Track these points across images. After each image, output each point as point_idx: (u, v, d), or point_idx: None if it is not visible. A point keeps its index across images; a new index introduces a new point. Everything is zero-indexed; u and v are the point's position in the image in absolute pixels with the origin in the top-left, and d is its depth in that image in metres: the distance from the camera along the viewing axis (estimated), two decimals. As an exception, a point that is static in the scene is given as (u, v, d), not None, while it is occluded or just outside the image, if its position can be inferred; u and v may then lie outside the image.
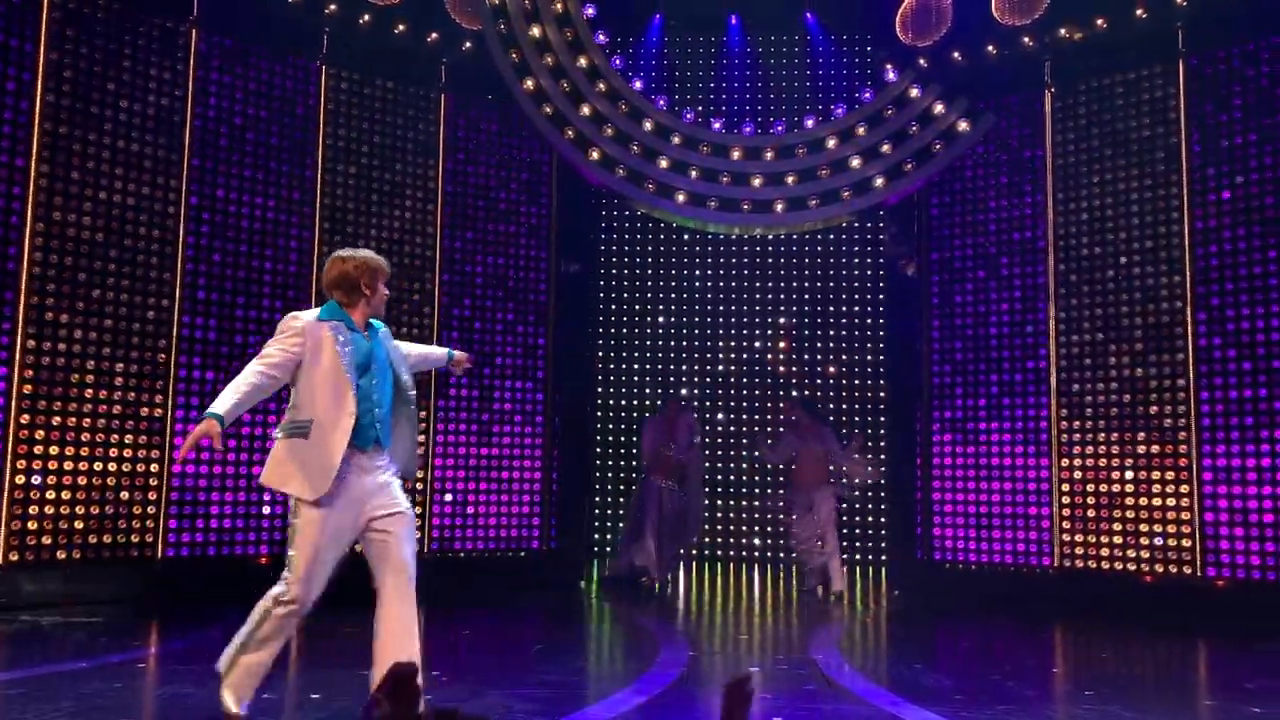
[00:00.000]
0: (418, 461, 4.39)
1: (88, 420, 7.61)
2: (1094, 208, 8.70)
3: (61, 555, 7.47)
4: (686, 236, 11.74)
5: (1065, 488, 8.63)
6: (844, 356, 11.52)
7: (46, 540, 7.42)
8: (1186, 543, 7.97)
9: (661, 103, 9.62)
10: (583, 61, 9.36)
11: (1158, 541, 8.11)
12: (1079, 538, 8.52)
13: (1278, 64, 7.87)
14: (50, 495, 7.43)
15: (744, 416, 11.61)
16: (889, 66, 9.56)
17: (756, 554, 11.41)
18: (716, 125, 9.71)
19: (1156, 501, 8.14)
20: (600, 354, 11.59)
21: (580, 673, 5.90)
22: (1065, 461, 8.65)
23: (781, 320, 11.57)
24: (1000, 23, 8.87)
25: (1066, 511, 8.61)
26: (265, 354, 3.99)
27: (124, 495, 7.73)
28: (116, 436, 7.72)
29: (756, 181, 9.43)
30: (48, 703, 4.54)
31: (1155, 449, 8.20)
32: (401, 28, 9.10)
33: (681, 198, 9.40)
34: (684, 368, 11.71)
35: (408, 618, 4.00)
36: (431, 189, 9.32)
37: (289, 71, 8.74)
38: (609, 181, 9.41)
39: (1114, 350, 8.49)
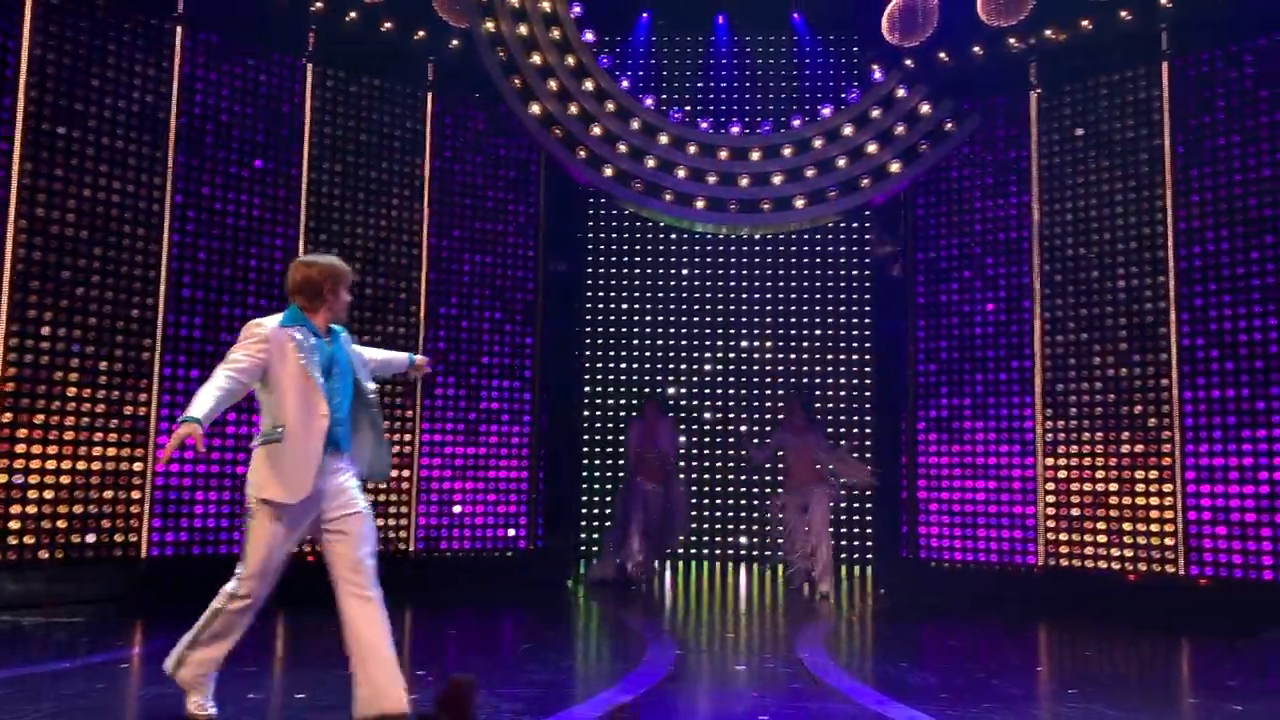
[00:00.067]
0: (389, 464, 4.39)
1: (71, 419, 7.56)
2: (1079, 208, 8.75)
3: (44, 555, 7.42)
4: (674, 236, 11.75)
5: (1050, 487, 8.67)
6: (830, 356, 11.54)
7: (29, 539, 7.37)
8: (1170, 541, 8.02)
9: (649, 102, 9.62)
10: (570, 60, 9.35)
11: (1141, 540, 8.16)
12: (1064, 536, 8.56)
13: (1260, 66, 7.93)
14: (33, 494, 7.38)
15: (731, 416, 11.62)
16: (876, 67, 9.59)
17: (743, 553, 11.43)
18: (704, 125, 9.72)
19: (1140, 501, 8.19)
20: (588, 353, 11.58)
21: (567, 672, 5.90)
22: (1050, 461, 8.70)
23: (780, 331, 11.57)
24: (986, 24, 8.90)
25: (1051, 510, 8.65)
26: (232, 359, 4.04)
27: (107, 494, 7.69)
28: (100, 435, 7.67)
29: (744, 181, 9.44)
30: (29, 703, 4.51)
31: (1139, 448, 8.25)
32: (388, 25, 9.07)
33: (669, 197, 9.40)
34: (671, 367, 11.72)
35: (374, 615, 4.03)
36: (418, 187, 9.29)
37: (275, 69, 8.70)
38: (596, 180, 9.41)
39: (1098, 350, 8.54)
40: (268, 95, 8.64)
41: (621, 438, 11.08)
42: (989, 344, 9.10)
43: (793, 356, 11.58)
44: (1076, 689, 5.36)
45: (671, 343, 11.75)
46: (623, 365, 11.72)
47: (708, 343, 11.73)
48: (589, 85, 9.42)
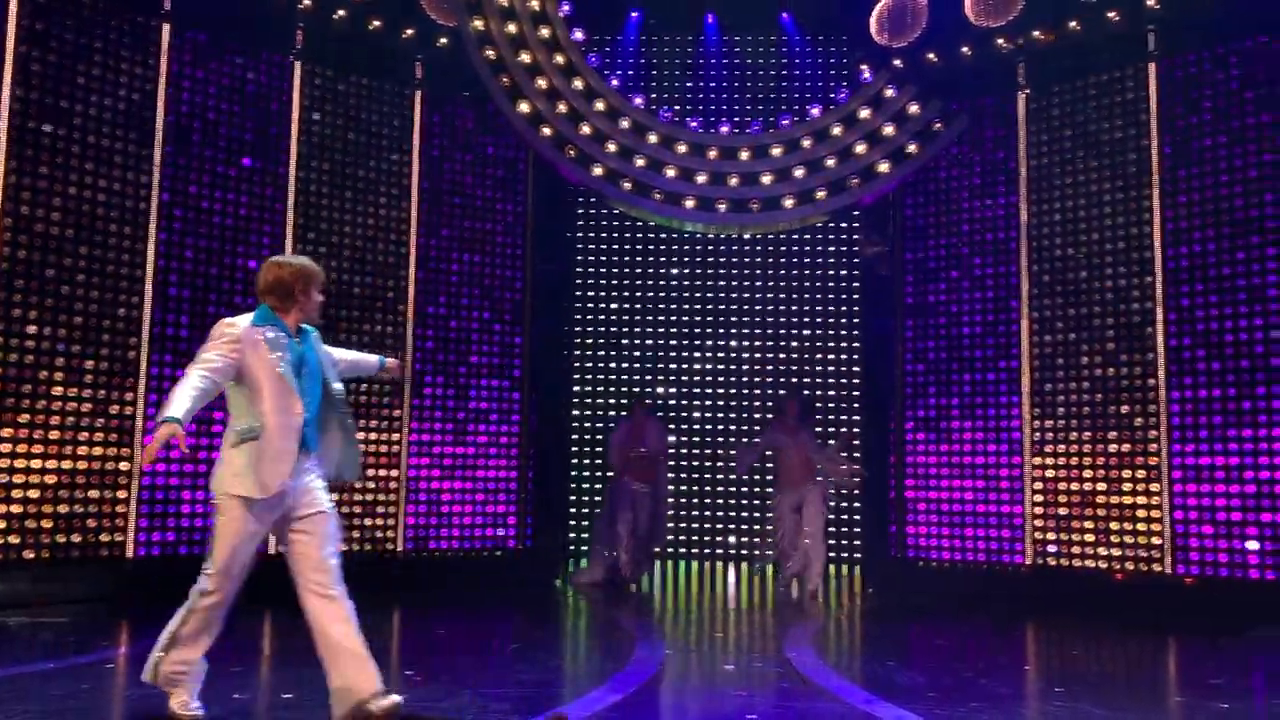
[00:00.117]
0: (359, 465, 4.39)
1: (56, 418, 7.51)
2: (1066, 209, 8.78)
3: (30, 555, 7.37)
4: (663, 235, 11.74)
5: (1037, 486, 8.70)
6: (819, 356, 11.55)
7: (14, 539, 7.33)
8: (1156, 540, 8.05)
9: (639, 101, 9.62)
10: (559, 59, 9.34)
11: (1128, 539, 8.20)
12: (1051, 536, 8.59)
13: (1246, 68, 7.97)
14: (18, 494, 7.33)
15: (720, 415, 11.63)
16: (864, 67, 9.61)
17: (733, 552, 11.43)
18: (693, 124, 9.72)
19: (1127, 500, 8.23)
20: (577, 352, 11.58)
21: (556, 671, 5.89)
22: (1037, 460, 8.72)
23: (769, 331, 11.57)
24: (974, 24, 8.93)
25: (1039, 510, 8.68)
26: (205, 359, 4.05)
27: (93, 494, 7.65)
28: (86, 434, 7.63)
29: (733, 181, 9.45)
30: (16, 704, 4.49)
31: (1126, 448, 8.28)
32: (377, 24, 9.04)
33: (658, 196, 9.41)
34: (660, 366, 11.71)
35: (340, 612, 4.06)
36: (406, 186, 9.27)
37: (262, 67, 8.66)
38: (585, 179, 9.40)
39: (1086, 350, 8.57)
40: (255, 93, 8.61)
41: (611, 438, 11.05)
42: (977, 343, 9.13)
43: (782, 356, 11.59)
44: (1063, 688, 5.38)
45: (661, 342, 11.75)
46: (612, 365, 11.71)
47: (697, 342, 11.73)
48: (578, 84, 9.41)
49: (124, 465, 7.77)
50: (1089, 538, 8.39)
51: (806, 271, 11.68)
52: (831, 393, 11.47)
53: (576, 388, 11.51)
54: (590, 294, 11.76)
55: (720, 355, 11.70)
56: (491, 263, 9.56)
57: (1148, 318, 8.27)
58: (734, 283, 11.75)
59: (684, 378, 11.70)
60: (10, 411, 7.34)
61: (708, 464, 11.56)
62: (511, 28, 9.25)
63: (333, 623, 4.03)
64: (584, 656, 6.84)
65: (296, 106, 8.78)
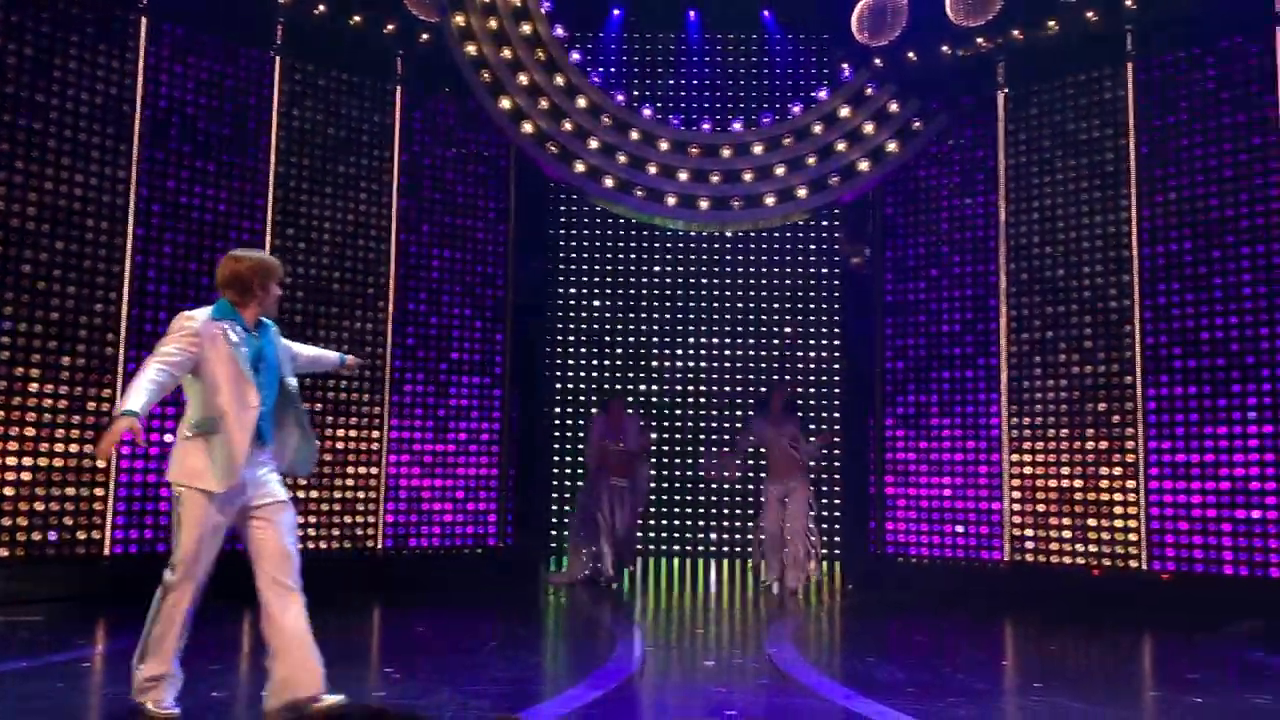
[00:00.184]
0: (314, 460, 4.40)
1: (32, 414, 7.45)
2: (1045, 207, 8.84)
3: (4, 552, 7.31)
4: (645, 232, 11.73)
5: (1016, 483, 8.76)
6: (800, 352, 11.58)
7: (-11, 537, 7.26)
8: (1133, 537, 8.13)
9: (620, 98, 9.61)
10: (541, 55, 9.33)
11: (1105, 535, 8.27)
12: (1029, 532, 8.65)
13: (1222, 69, 8.04)
14: (-7, 491, 7.27)
15: (701, 412, 11.64)
16: (845, 65, 9.64)
17: (713, 549, 11.44)
18: (675, 121, 9.72)
19: (1104, 496, 8.30)
20: (559, 349, 11.56)
21: (535, 669, 5.89)
22: (1016, 457, 8.78)
23: (750, 328, 11.57)
24: (954, 24, 8.96)
25: (1017, 506, 8.74)
26: (164, 353, 4.06)
27: (70, 491, 7.59)
28: (62, 431, 7.56)
29: (714, 178, 9.46)
30: (-11, 703, 4.45)
31: (1103, 445, 8.35)
32: (357, 19, 9.00)
33: (639, 193, 9.42)
34: (642, 364, 11.71)
35: (297, 606, 4.10)
36: (387, 182, 9.23)
37: (242, 61, 8.61)
38: (567, 176, 9.39)
39: (1063, 348, 8.64)
40: (234, 88, 8.55)
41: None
42: (956, 341, 9.18)
43: (763, 353, 11.61)
44: (1041, 683, 5.42)
45: (643, 340, 11.75)
46: (594, 362, 11.71)
47: (679, 339, 11.73)
48: (560, 80, 9.40)
49: (100, 462, 7.70)
50: (1066, 534, 8.45)
51: (787, 269, 11.70)
52: (812, 390, 11.50)
53: (558, 385, 11.49)
54: (572, 291, 11.74)
55: (702, 353, 11.71)
56: (472, 259, 9.54)
57: (1125, 316, 8.34)
58: (715, 280, 11.75)
59: (665, 375, 11.70)
60: (-15, 408, 7.27)
61: (689, 460, 11.56)
62: (493, 23, 9.22)
63: (286, 614, 4.07)
64: (564, 653, 6.84)
65: (276, 101, 8.73)
